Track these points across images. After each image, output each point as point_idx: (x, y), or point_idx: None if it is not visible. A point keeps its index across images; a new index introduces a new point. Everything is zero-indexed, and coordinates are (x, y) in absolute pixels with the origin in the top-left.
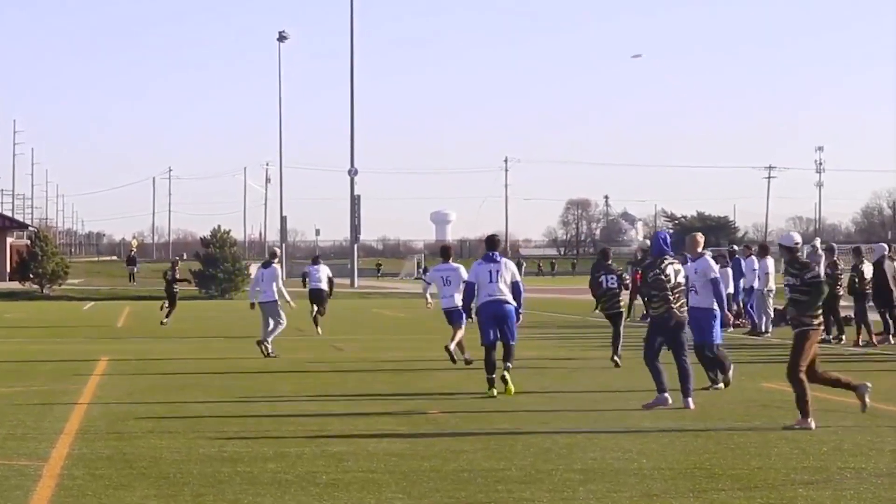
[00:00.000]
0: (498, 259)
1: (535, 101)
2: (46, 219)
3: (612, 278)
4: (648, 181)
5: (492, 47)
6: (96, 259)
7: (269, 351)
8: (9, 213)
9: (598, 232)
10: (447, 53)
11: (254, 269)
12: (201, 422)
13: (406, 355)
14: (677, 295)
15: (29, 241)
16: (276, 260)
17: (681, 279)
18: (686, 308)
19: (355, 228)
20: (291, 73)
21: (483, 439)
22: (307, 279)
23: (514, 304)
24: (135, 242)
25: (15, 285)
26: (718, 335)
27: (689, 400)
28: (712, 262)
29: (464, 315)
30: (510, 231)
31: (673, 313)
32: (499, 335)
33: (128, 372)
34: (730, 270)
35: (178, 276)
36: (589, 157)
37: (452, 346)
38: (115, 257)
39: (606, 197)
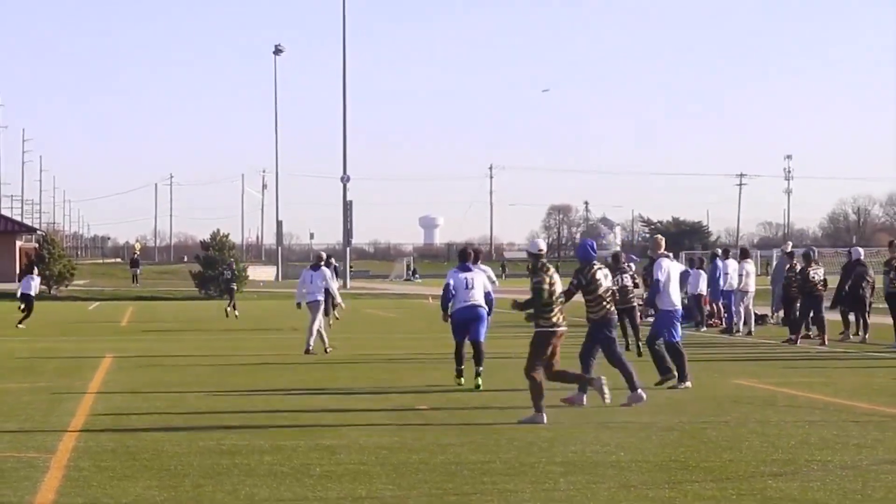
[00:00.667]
0: (471, 268)
1: (520, 110)
2: (54, 223)
3: (625, 276)
4: (626, 188)
5: (479, 55)
6: (101, 261)
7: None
8: (18, 218)
9: (578, 236)
10: (436, 62)
11: (254, 271)
12: (201, 416)
13: (396, 353)
14: (609, 298)
15: (37, 244)
16: (324, 262)
17: (609, 283)
18: (613, 309)
19: (348, 232)
20: (287, 83)
21: (469, 433)
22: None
23: (486, 308)
24: (138, 245)
25: None
26: (677, 333)
27: (640, 392)
28: (665, 263)
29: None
30: (495, 234)
31: (611, 315)
32: (468, 334)
33: (131, 368)
34: (702, 272)
35: (235, 274)
36: (570, 165)
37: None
38: (119, 260)
39: (586, 203)
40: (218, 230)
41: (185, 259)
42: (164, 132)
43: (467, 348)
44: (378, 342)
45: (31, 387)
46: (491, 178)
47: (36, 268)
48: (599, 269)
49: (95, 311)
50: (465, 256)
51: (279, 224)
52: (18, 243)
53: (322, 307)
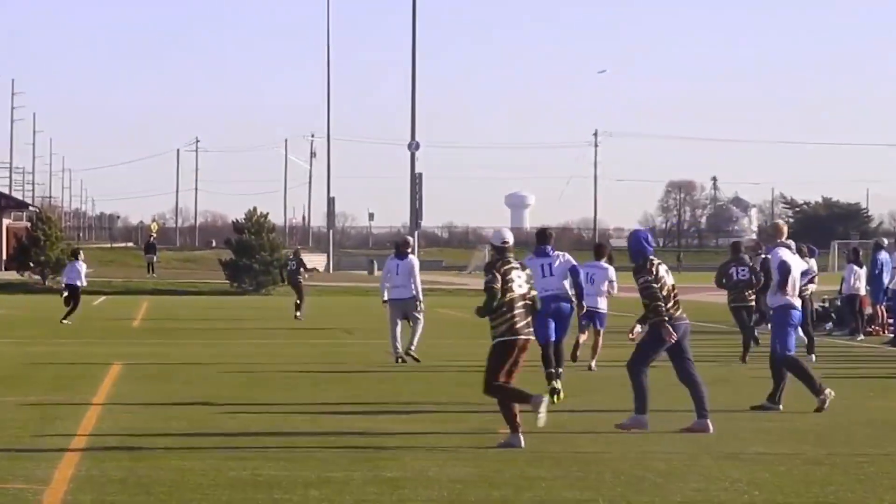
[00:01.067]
0: (550, 253)
1: (631, 67)
2: (50, 197)
3: (743, 270)
4: (764, 160)
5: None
6: (109, 246)
7: (412, 355)
8: (6, 190)
9: (703, 220)
10: (525, 7)
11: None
12: (231, 439)
13: (473, 364)
14: (675, 297)
15: (29, 224)
16: (411, 249)
17: (673, 280)
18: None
19: (416, 212)
20: (342, 29)
21: (564, 464)
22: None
23: (570, 302)
24: (154, 226)
25: (12, 276)
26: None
27: (707, 421)
28: (781, 252)
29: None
30: (599, 217)
31: (679, 321)
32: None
33: (144, 379)
34: (856, 267)
35: (304, 266)
36: (694, 132)
37: (594, 364)
38: (131, 244)
39: (714, 179)
40: (254, 208)
41: (214, 244)
42: (189, 87)
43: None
44: (452, 351)
45: (20, 401)
46: (595, 146)
47: (81, 252)
48: (660, 264)
49: (101, 308)
50: (546, 238)
51: (331, 202)
52: (6, 222)
53: (415, 303)
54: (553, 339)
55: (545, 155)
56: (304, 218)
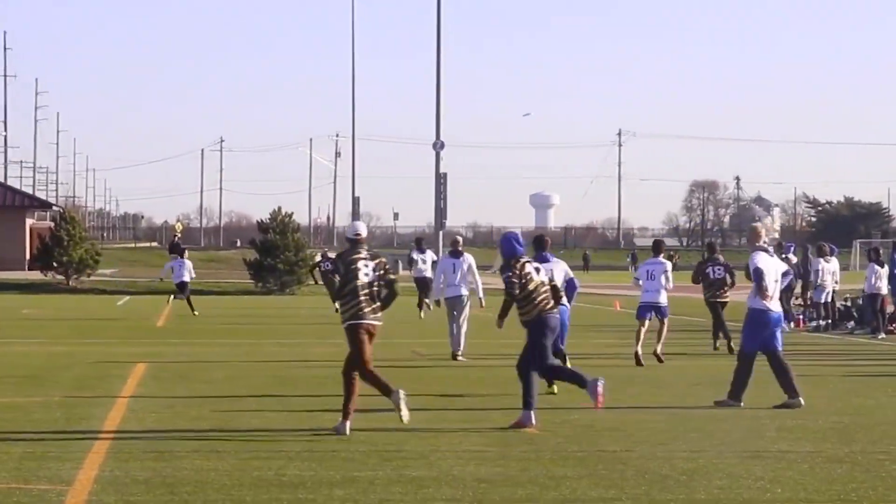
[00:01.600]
0: (550, 259)
1: (654, 66)
2: (74, 197)
3: (718, 269)
4: (787, 160)
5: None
6: (133, 245)
7: (460, 357)
8: (29, 190)
9: (727, 219)
10: (550, 6)
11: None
12: (255, 439)
13: (497, 363)
14: (544, 294)
15: (53, 224)
16: (462, 247)
17: (543, 277)
18: (552, 309)
19: (441, 212)
20: (367, 27)
21: (588, 463)
22: (413, 266)
23: (567, 305)
24: (179, 226)
25: (36, 275)
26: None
27: (530, 413)
28: (761, 257)
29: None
30: (623, 217)
31: (547, 315)
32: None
33: (169, 379)
34: (878, 268)
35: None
36: (717, 132)
37: (660, 349)
38: (155, 244)
39: (737, 178)
40: (279, 208)
41: (239, 244)
42: (213, 86)
43: None
44: (477, 350)
45: (43, 401)
46: (619, 146)
47: (186, 251)
48: (528, 262)
49: (125, 308)
50: (543, 245)
51: (355, 201)
52: (29, 222)
53: (466, 303)
54: (555, 342)
55: (569, 155)
56: (328, 217)
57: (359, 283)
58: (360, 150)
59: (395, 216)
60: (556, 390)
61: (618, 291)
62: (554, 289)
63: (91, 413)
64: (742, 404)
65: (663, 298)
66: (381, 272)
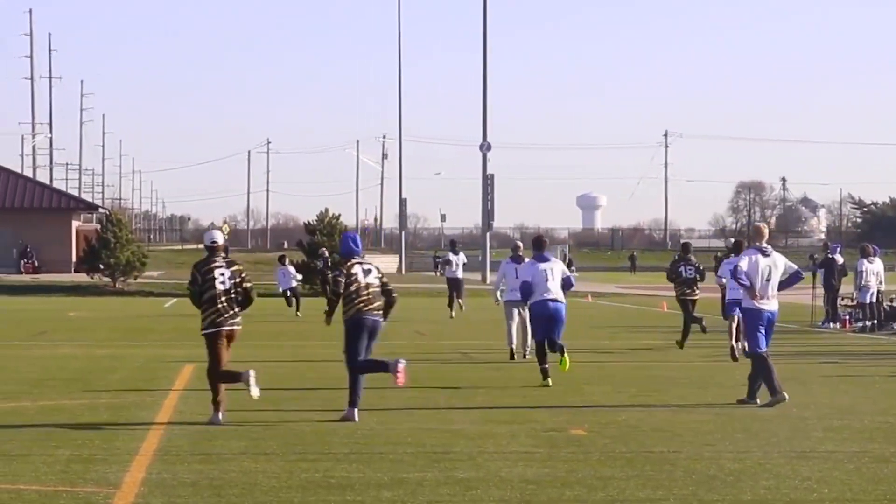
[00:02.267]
0: (550, 258)
1: (701, 66)
2: (120, 199)
3: (689, 269)
4: (832, 161)
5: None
6: (179, 247)
7: (526, 355)
8: (75, 192)
9: (773, 220)
10: (596, 9)
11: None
12: (303, 440)
13: (549, 364)
14: (364, 296)
15: (99, 226)
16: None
17: (372, 280)
18: (373, 310)
19: (488, 213)
20: (413, 28)
21: (636, 464)
22: (446, 267)
23: (564, 302)
24: (226, 228)
25: (82, 278)
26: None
27: (354, 410)
28: (743, 258)
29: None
30: (670, 218)
31: (363, 315)
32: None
33: None
34: None
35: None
36: (763, 133)
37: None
38: (201, 245)
39: (783, 179)
40: (326, 210)
41: (286, 245)
42: (260, 88)
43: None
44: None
45: (90, 403)
46: (666, 147)
47: (286, 257)
48: (359, 263)
49: (172, 310)
50: (541, 245)
51: (402, 203)
52: (75, 224)
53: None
54: (552, 336)
55: (616, 156)
56: (375, 219)
57: (216, 291)
58: (407, 151)
59: (443, 218)
60: (550, 383)
61: (664, 293)
62: (387, 292)
63: (138, 415)
64: (787, 396)
65: None
66: (238, 279)
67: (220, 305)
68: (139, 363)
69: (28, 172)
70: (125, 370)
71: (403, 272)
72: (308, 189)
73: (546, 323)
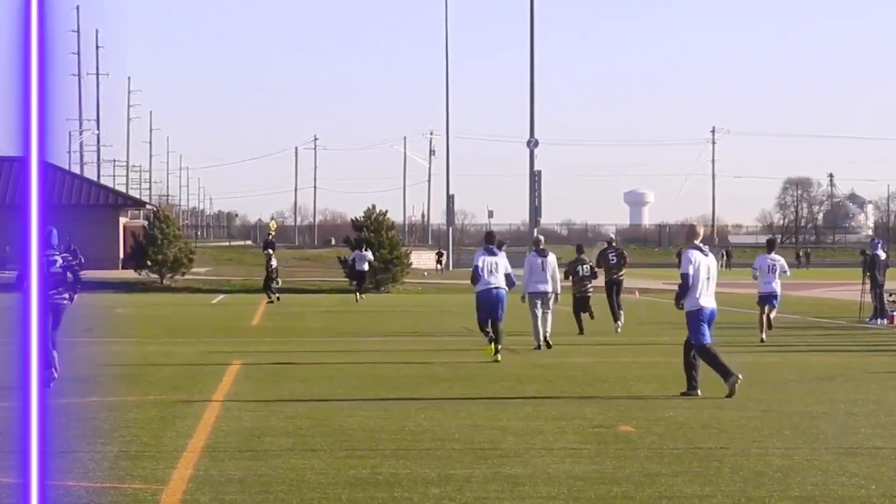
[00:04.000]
0: (496, 252)
1: (748, 62)
2: (168, 195)
3: (584, 267)
4: (880, 157)
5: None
6: (227, 244)
7: (548, 341)
8: (123, 189)
9: (820, 216)
10: (643, 6)
11: (418, 257)
12: (351, 437)
13: (596, 360)
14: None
15: (146, 222)
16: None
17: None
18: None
19: (535, 210)
20: (461, 24)
21: (684, 460)
22: None
23: (506, 289)
24: (273, 224)
25: (130, 274)
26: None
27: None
28: (695, 255)
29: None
30: (718, 214)
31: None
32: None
33: (264, 378)
34: None
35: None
36: (810, 129)
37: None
38: (249, 242)
39: (831, 175)
40: (373, 206)
41: (333, 242)
42: (307, 84)
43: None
44: (572, 348)
45: (138, 400)
46: (713, 143)
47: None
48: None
49: (220, 307)
50: (491, 239)
51: (450, 199)
52: (123, 220)
53: (550, 298)
54: (495, 316)
55: (664, 152)
56: (423, 215)
57: None
58: (455, 147)
59: (490, 214)
60: (499, 358)
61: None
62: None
63: (185, 412)
64: (741, 375)
65: (779, 288)
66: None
67: None
68: (187, 360)
69: (76, 169)
70: (173, 367)
71: (451, 268)
72: (355, 185)
73: (489, 306)
